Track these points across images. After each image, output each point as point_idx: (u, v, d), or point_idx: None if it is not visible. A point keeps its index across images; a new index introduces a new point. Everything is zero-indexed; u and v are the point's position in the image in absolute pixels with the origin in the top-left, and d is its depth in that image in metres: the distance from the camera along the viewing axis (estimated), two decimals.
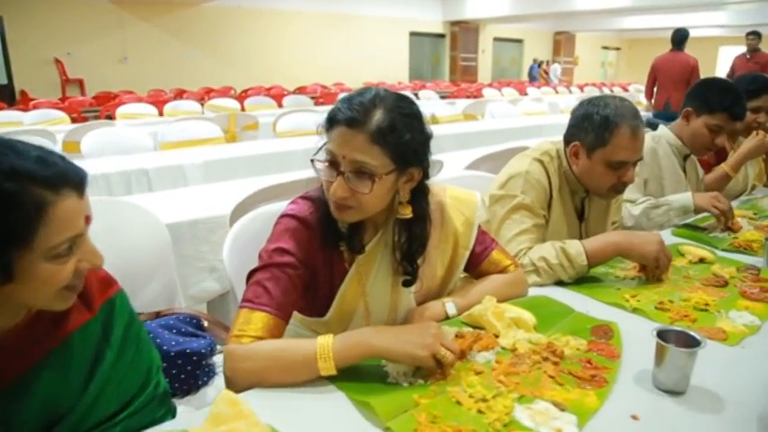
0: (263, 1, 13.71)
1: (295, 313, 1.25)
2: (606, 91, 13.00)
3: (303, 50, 14.53)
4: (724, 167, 2.38)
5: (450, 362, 0.95)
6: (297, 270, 1.10)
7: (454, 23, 17.22)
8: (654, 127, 2.42)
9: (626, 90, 13.25)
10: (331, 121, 1.07)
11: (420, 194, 1.16)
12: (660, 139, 2.20)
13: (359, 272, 1.18)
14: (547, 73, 17.78)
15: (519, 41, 19.90)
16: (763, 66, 6.83)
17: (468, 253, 1.28)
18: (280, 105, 7.86)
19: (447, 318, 1.21)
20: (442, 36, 17.49)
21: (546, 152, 1.68)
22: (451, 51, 17.51)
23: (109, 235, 1.73)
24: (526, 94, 10.52)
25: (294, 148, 3.99)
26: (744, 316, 1.24)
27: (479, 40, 17.97)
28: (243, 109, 7.50)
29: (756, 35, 7.06)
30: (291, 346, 1.00)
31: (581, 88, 13.39)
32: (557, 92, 11.56)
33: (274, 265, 1.09)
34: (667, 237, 1.87)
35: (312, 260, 1.14)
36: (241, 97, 8.47)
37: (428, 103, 7.13)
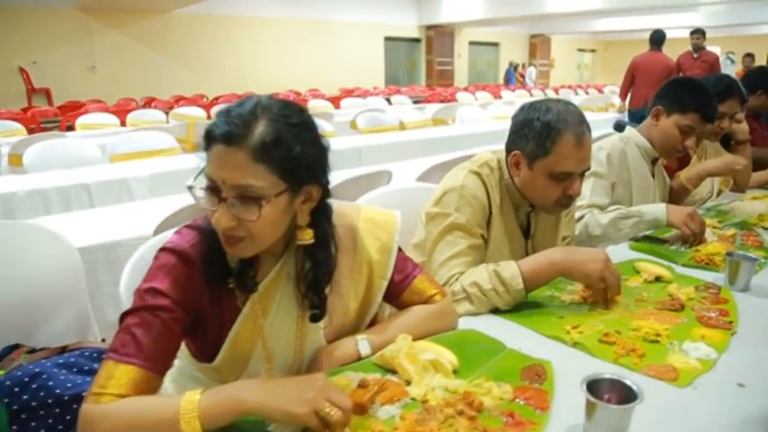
0: (235, 8, 13.53)
1: (189, 356, 1.09)
2: (582, 93, 13.00)
3: (277, 57, 14.38)
4: (682, 180, 2.26)
5: (338, 420, 0.79)
6: (173, 314, 0.93)
7: (429, 28, 17.16)
8: (621, 129, 2.30)
9: (601, 92, 13.26)
10: (207, 139, 0.91)
11: (322, 215, 1.01)
12: (629, 141, 2.07)
13: (254, 310, 1.02)
14: (523, 76, 17.79)
15: (495, 45, 19.91)
16: (711, 64, 6.82)
17: (385, 283, 1.12)
18: None
19: (360, 358, 1.06)
20: (417, 41, 17.42)
21: (485, 163, 1.53)
22: (427, 56, 17.44)
23: (6, 263, 1.58)
24: (500, 98, 10.45)
25: None
26: (699, 348, 1.09)
27: (455, 44, 17.93)
28: (209, 117, 7.32)
29: (701, 33, 6.98)
30: (153, 406, 0.84)
31: (556, 90, 13.40)
32: (531, 95, 11.51)
33: (145, 309, 0.92)
34: (624, 251, 1.73)
35: (194, 301, 0.97)
36: (210, 105, 8.27)
37: (398, 109, 6.97)
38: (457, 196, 1.45)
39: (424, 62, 17.54)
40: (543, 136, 1.39)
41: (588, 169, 1.45)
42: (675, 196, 2.30)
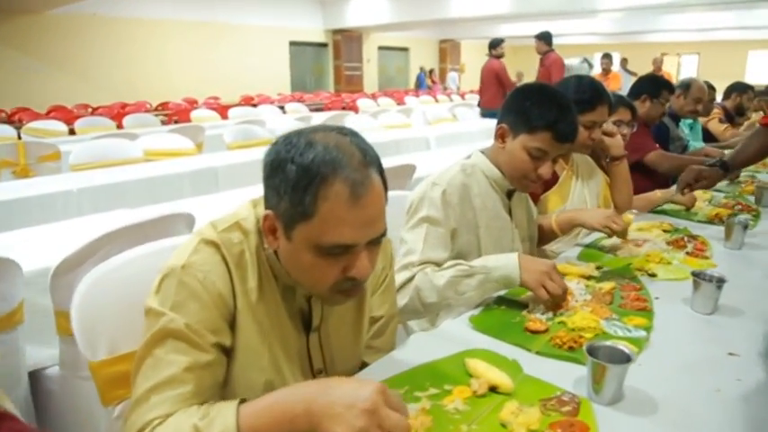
0: (124, 8, 12.45)
1: None
2: None
3: (173, 63, 13.40)
4: (552, 222, 1.84)
5: None
6: None
7: (336, 32, 16.65)
8: None
9: None
10: None
11: None
12: (474, 171, 1.60)
13: None
14: (434, 82, 17.62)
15: (405, 50, 19.67)
16: (547, 68, 6.84)
17: None
18: (120, 126, 6.87)
19: None
20: (324, 45, 16.86)
21: (236, 224, 1.00)
22: (335, 61, 16.92)
23: None
24: (404, 104, 10.08)
25: (92, 184, 3.18)
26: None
27: (364, 48, 17.51)
28: (72, 132, 6.45)
29: (541, 38, 7.11)
30: None
31: (463, 96, 13.24)
32: (437, 100, 11.24)
33: None
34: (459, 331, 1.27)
35: None
36: (73, 118, 7.29)
37: (285, 119, 6.37)
38: (176, 284, 0.91)
39: (331, 67, 17.00)
40: (300, 188, 0.88)
41: (381, 236, 0.95)
42: (540, 235, 1.88)
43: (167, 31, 13.28)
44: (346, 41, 16.85)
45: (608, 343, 1.03)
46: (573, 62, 8.37)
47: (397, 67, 19.59)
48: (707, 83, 4.09)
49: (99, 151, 4.24)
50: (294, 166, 0.88)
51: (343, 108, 9.78)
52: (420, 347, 1.19)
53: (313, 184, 0.86)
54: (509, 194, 1.64)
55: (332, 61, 17.00)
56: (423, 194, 1.51)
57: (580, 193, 2.10)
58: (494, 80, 7.37)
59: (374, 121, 5.81)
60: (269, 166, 0.92)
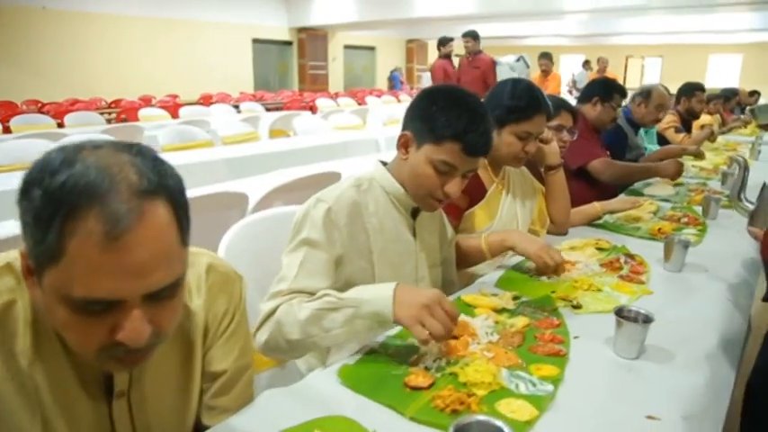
0: (77, 2, 11.95)
1: None
2: None
3: (131, 59, 12.91)
4: (482, 243, 1.63)
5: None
6: None
7: (301, 30, 16.31)
8: None
9: None
10: None
11: None
12: (371, 186, 1.37)
13: None
14: (402, 82, 17.40)
15: (371, 49, 19.42)
16: (483, 71, 6.59)
17: None
18: (62, 125, 6.50)
19: None
20: (288, 43, 16.51)
21: (1, 270, 0.76)
22: (300, 59, 16.57)
23: None
24: (365, 104, 9.85)
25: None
26: None
27: (329, 47, 17.21)
28: (8, 130, 6.06)
29: (470, 36, 6.71)
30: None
31: None
32: (399, 101, 11.04)
33: None
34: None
35: None
36: (12, 114, 6.87)
37: (218, 120, 6.04)
38: None
39: (296, 66, 16.65)
40: (43, 221, 0.63)
41: (164, 290, 0.70)
42: (462, 257, 1.66)
43: (124, 27, 12.81)
44: (311, 40, 16.53)
45: (481, 418, 0.80)
46: (508, 60, 7.70)
47: (364, 67, 19.32)
48: (666, 87, 3.94)
49: (17, 152, 3.94)
50: (39, 190, 0.63)
51: (303, 107, 9.50)
52: (266, 412, 0.95)
53: (57, 216, 0.62)
54: (414, 213, 1.42)
55: (296, 60, 16.65)
56: (305, 213, 1.27)
57: (510, 209, 1.89)
58: (441, 80, 7.10)
59: (324, 122, 5.55)
60: (19, 189, 0.67)
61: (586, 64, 12.58)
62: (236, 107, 8.54)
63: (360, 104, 9.90)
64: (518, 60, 7.82)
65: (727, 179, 2.97)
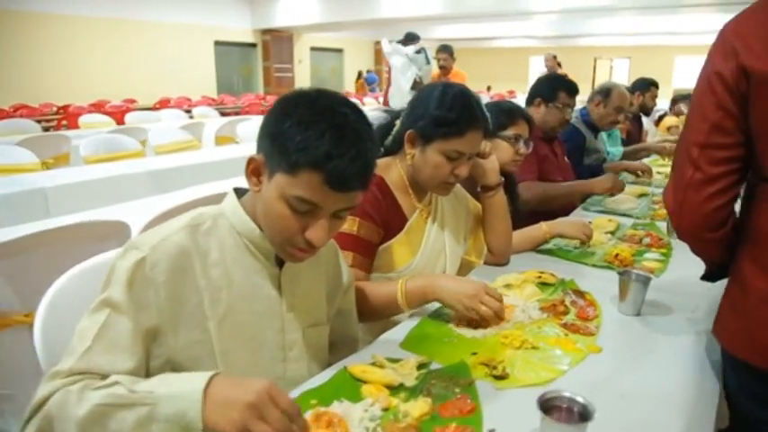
0: (26, 2, 11.36)
1: None
2: None
3: (87, 62, 12.34)
4: (397, 293, 1.31)
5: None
6: None
7: (266, 32, 15.85)
8: None
9: None
10: None
11: None
12: (217, 224, 1.00)
13: None
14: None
15: (339, 51, 19.03)
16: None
17: None
18: None
19: None
20: (252, 45, 16.04)
21: None
22: (264, 62, 16.10)
23: None
24: None
25: None
26: None
27: (295, 49, 16.78)
28: None
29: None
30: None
31: None
32: (363, 103, 10.69)
33: None
34: None
35: None
36: None
37: (157, 127, 5.61)
38: None
39: (261, 69, 16.19)
40: None
41: None
42: (371, 310, 1.32)
43: (78, 29, 12.24)
44: (276, 42, 16.09)
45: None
46: (407, 51, 6.24)
47: (332, 69, 18.92)
48: (626, 87, 3.65)
49: None
50: None
51: (262, 112, 9.09)
52: None
53: None
54: (280, 259, 1.06)
55: (261, 62, 16.18)
56: (113, 264, 0.91)
57: (437, 241, 1.55)
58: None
59: None
60: None
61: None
62: (189, 112, 8.10)
63: None
64: (419, 52, 6.26)
65: None
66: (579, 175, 2.77)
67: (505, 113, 1.94)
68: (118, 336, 0.87)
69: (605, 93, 3.06)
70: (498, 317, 1.26)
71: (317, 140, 0.87)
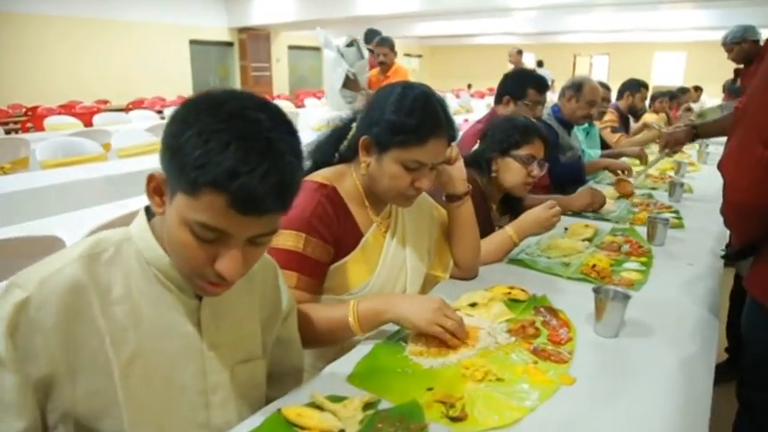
0: None
1: None
2: None
3: (58, 62, 12.00)
4: (348, 317, 1.19)
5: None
6: None
7: (242, 30, 15.59)
8: None
9: None
10: None
11: None
12: (121, 252, 0.85)
13: None
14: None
15: (317, 49, 18.81)
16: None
17: None
18: None
19: None
20: (229, 44, 15.78)
21: None
22: (241, 61, 15.82)
23: None
24: (303, 106, 9.31)
25: None
26: None
27: (272, 48, 16.54)
28: None
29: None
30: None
31: None
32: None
33: None
34: None
35: None
36: None
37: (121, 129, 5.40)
38: None
39: (238, 68, 15.92)
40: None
41: None
42: (320, 335, 1.18)
43: (48, 28, 11.91)
44: (253, 40, 15.83)
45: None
46: (338, 44, 5.08)
47: (311, 68, 18.70)
48: (601, 82, 3.54)
49: None
50: None
51: None
52: None
53: None
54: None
55: (238, 61, 15.92)
56: None
57: (397, 257, 1.40)
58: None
59: None
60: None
61: (540, 65, 12.30)
62: (161, 113, 7.88)
63: (298, 107, 9.35)
64: (350, 45, 5.09)
65: (675, 190, 2.58)
66: (558, 175, 2.65)
67: (520, 131, 1.81)
68: (2, 394, 0.72)
69: (577, 87, 2.95)
70: (461, 336, 1.14)
71: (219, 155, 0.72)
